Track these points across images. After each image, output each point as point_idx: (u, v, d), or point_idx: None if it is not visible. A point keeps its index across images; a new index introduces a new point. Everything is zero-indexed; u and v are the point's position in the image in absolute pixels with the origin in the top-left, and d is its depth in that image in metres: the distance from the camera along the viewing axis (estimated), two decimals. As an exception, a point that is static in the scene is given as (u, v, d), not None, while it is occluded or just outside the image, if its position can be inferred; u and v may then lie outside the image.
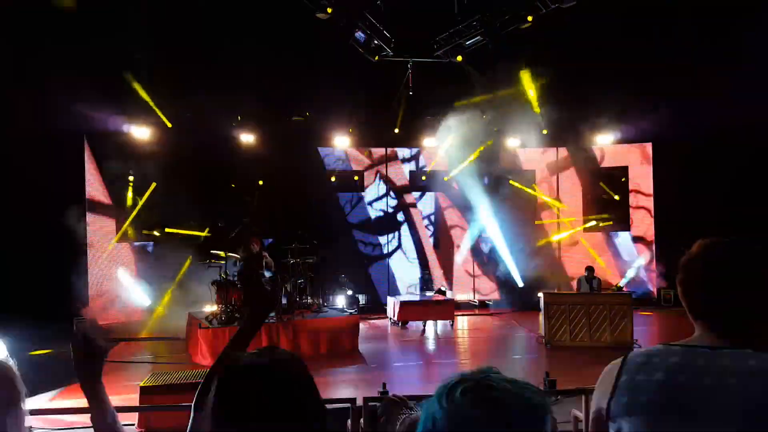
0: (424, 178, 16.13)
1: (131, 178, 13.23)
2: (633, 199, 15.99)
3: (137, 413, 5.97)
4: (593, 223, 15.82)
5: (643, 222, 15.90)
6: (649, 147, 15.76)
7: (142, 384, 6.28)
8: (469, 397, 1.01)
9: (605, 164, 16.17)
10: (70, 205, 11.65)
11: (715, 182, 12.64)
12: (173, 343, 11.25)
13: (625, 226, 15.98)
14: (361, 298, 14.69)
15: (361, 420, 4.87)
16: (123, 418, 5.32)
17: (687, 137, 13.59)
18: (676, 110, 13.20)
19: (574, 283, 12.05)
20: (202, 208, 12.50)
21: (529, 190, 16.00)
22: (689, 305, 1.50)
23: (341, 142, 14.86)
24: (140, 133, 13.08)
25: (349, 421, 4.93)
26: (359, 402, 5.03)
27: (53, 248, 11.05)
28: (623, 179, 16.01)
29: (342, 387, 8.13)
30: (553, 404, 6.74)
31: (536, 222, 16.01)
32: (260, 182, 13.87)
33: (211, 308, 10.53)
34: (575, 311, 10.46)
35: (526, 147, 15.71)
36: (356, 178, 15.74)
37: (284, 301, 10.91)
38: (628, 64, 12.37)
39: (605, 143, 15.83)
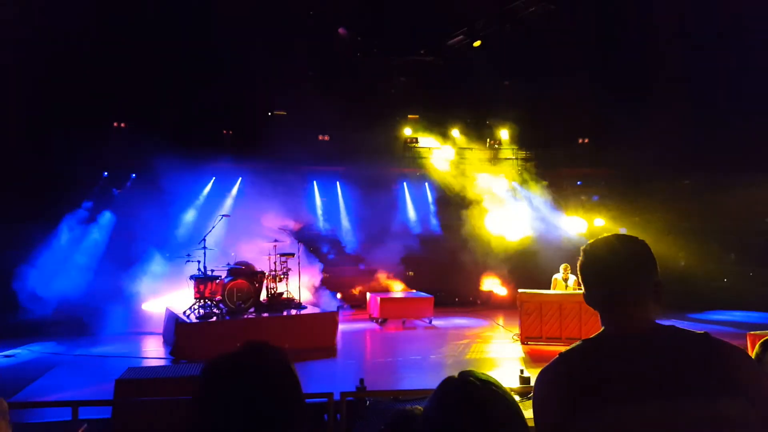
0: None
1: None
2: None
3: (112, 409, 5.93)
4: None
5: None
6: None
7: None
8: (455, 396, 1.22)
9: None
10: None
11: None
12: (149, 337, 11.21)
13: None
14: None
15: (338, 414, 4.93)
16: (98, 413, 5.28)
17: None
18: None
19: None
20: None
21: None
22: None
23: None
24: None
25: (326, 415, 4.99)
26: (336, 396, 5.09)
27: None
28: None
29: (320, 381, 8.17)
30: (528, 399, 6.89)
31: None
32: None
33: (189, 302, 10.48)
34: (549, 309, 10.65)
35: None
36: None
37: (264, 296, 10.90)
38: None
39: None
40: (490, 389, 1.22)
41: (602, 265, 1.62)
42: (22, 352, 9.99)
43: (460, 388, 1.23)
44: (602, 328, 1.61)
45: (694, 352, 1.48)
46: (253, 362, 1.26)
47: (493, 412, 1.18)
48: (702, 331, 1.55)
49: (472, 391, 1.20)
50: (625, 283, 1.58)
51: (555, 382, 1.52)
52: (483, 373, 1.27)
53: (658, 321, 1.58)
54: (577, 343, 1.59)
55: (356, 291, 15.16)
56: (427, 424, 1.23)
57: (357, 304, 14.78)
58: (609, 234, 1.69)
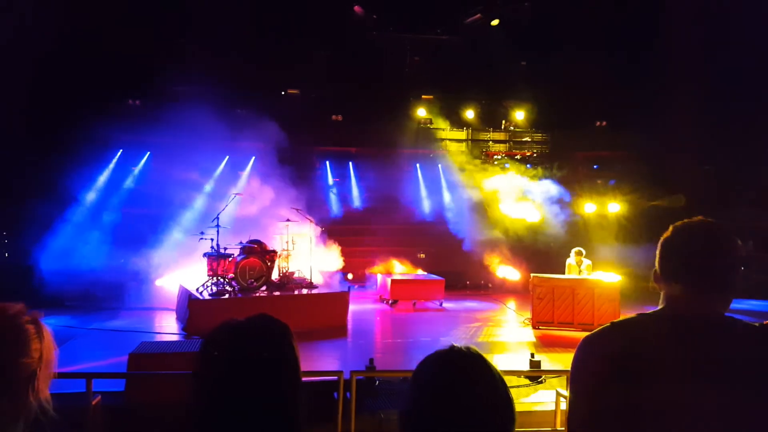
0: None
1: None
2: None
3: (125, 381, 6.01)
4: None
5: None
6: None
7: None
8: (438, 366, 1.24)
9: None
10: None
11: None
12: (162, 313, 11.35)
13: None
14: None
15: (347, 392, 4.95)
16: (111, 386, 5.33)
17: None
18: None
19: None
20: None
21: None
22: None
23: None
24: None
25: (336, 394, 5.01)
26: (346, 375, 5.10)
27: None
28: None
29: (330, 360, 8.22)
30: (539, 383, 6.87)
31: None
32: None
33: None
34: (562, 294, 10.57)
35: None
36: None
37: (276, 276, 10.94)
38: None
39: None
40: (466, 355, 1.24)
41: (686, 243, 1.60)
42: (38, 325, 10.13)
43: (443, 354, 1.27)
44: (661, 306, 1.61)
45: (740, 343, 1.47)
46: (255, 333, 1.26)
47: (472, 373, 1.20)
48: (759, 323, 1.54)
49: (454, 355, 1.24)
50: (701, 265, 1.55)
51: (595, 351, 1.53)
52: (472, 347, 1.28)
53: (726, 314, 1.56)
54: (631, 316, 1.60)
55: (367, 272, 15.18)
56: (413, 385, 1.25)
57: (368, 285, 14.82)
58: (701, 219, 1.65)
